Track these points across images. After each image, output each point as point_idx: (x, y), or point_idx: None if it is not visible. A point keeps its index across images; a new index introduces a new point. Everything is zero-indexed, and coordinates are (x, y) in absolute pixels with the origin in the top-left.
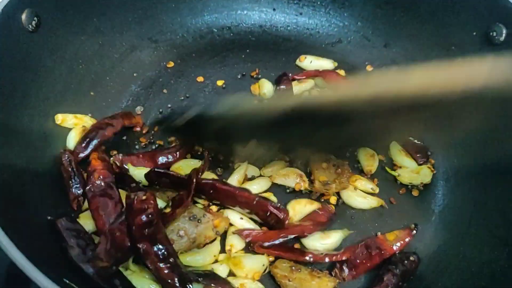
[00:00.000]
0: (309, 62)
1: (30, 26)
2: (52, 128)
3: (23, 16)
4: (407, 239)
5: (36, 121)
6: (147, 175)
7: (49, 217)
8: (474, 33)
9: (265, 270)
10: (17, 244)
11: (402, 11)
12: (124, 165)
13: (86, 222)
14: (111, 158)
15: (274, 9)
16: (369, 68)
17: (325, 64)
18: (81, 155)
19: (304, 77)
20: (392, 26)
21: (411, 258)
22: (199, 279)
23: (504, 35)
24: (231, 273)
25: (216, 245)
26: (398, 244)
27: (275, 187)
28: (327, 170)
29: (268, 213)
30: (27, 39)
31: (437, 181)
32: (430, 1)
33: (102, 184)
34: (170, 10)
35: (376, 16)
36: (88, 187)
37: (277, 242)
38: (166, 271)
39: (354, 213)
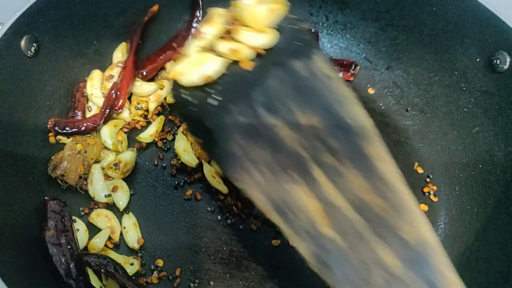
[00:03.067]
0: None
1: (29, 52)
2: (50, 152)
3: (23, 42)
4: None
5: (34, 145)
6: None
7: (46, 197)
8: (478, 60)
9: None
10: None
11: (404, 34)
12: None
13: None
14: None
15: None
16: (370, 90)
17: None
18: None
19: None
20: (395, 49)
21: None
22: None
23: (508, 63)
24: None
25: None
26: None
27: None
28: None
29: None
30: (26, 64)
31: (438, 210)
32: (433, 25)
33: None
34: (170, 31)
35: (379, 38)
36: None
37: None
38: None
39: None
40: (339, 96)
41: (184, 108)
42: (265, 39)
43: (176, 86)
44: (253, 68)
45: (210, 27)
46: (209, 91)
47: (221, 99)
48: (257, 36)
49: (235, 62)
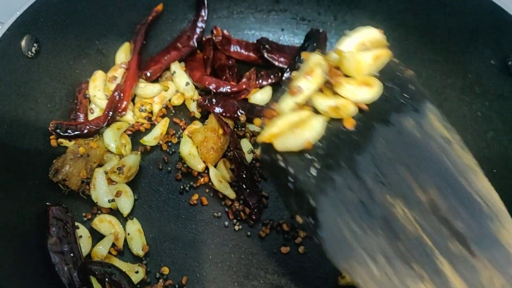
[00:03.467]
0: None
1: (30, 52)
2: (52, 156)
3: (23, 43)
4: None
5: (34, 149)
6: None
7: (47, 203)
8: (492, 62)
9: None
10: None
11: (416, 35)
12: None
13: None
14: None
15: (282, 29)
16: None
17: None
18: None
19: None
20: (405, 50)
21: None
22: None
23: None
24: None
25: None
26: None
27: None
28: None
29: None
30: (26, 65)
31: None
32: (445, 27)
33: None
34: (174, 31)
35: (388, 39)
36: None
37: None
38: None
39: None
40: (461, 165)
41: (279, 178)
42: (371, 92)
43: (268, 149)
44: (356, 127)
45: (309, 80)
46: (307, 157)
47: (320, 167)
48: (362, 90)
49: (333, 119)
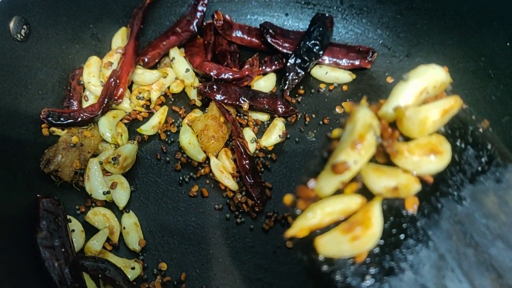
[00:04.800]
0: (324, 73)
1: (19, 35)
2: (43, 146)
3: (11, 25)
4: None
5: (25, 138)
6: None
7: (38, 195)
8: (508, 44)
9: None
10: None
11: (425, 18)
12: None
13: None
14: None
15: (286, 14)
16: (389, 79)
17: (342, 76)
18: None
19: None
20: (415, 34)
21: None
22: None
23: None
24: None
25: None
26: None
27: None
28: None
29: None
30: (15, 49)
31: None
32: (457, 8)
33: None
34: (174, 15)
35: (397, 23)
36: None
37: None
38: None
39: None
40: None
41: (321, 285)
42: (440, 162)
43: (303, 245)
44: (419, 209)
45: (359, 152)
46: (360, 265)
47: (377, 273)
48: (428, 159)
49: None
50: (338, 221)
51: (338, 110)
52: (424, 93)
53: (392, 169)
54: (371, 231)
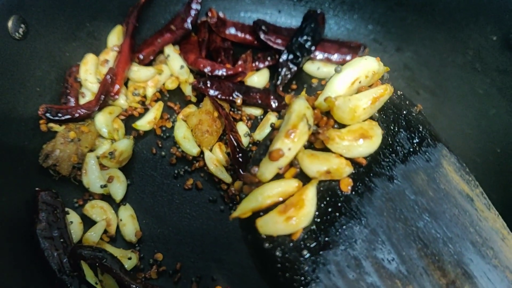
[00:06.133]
0: (316, 68)
1: (17, 34)
2: (41, 141)
3: (9, 24)
4: None
5: (23, 133)
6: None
7: (36, 188)
8: (494, 38)
9: None
10: None
11: (415, 14)
12: None
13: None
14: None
15: (279, 11)
16: None
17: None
18: None
19: None
20: (405, 30)
21: None
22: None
23: None
24: None
25: None
26: None
27: None
28: None
29: None
30: (14, 47)
31: None
32: (445, 3)
33: None
34: (168, 13)
35: (388, 19)
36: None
37: None
38: None
39: None
40: (487, 229)
41: (262, 260)
42: (370, 145)
43: (248, 225)
44: (353, 188)
45: (292, 140)
46: (298, 240)
47: (313, 247)
48: (359, 143)
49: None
50: (278, 202)
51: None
52: (357, 83)
53: (325, 154)
54: (304, 211)
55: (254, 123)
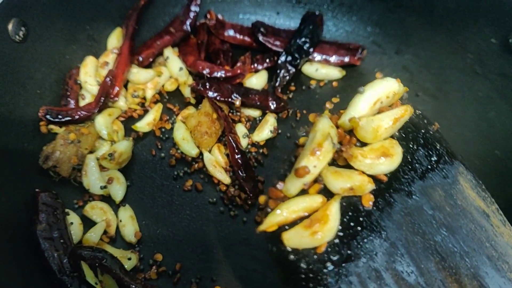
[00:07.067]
0: (314, 69)
1: (17, 36)
2: (42, 143)
3: (10, 26)
4: None
5: (24, 135)
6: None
7: (36, 189)
8: (493, 41)
9: None
10: None
11: (414, 16)
12: None
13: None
14: None
15: (278, 13)
16: (378, 75)
17: (332, 72)
18: None
19: None
20: (404, 32)
21: None
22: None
23: None
24: None
25: None
26: None
27: None
28: None
29: None
30: (14, 50)
31: None
32: (445, 6)
33: None
34: (167, 16)
35: (387, 20)
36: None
37: None
38: None
39: None
40: (502, 245)
41: (287, 272)
42: (391, 163)
43: (273, 238)
44: (374, 204)
45: (317, 158)
46: (322, 253)
47: (337, 260)
48: (380, 161)
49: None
50: (303, 217)
51: (328, 106)
52: (378, 103)
53: (348, 171)
54: (328, 226)
55: (253, 125)
